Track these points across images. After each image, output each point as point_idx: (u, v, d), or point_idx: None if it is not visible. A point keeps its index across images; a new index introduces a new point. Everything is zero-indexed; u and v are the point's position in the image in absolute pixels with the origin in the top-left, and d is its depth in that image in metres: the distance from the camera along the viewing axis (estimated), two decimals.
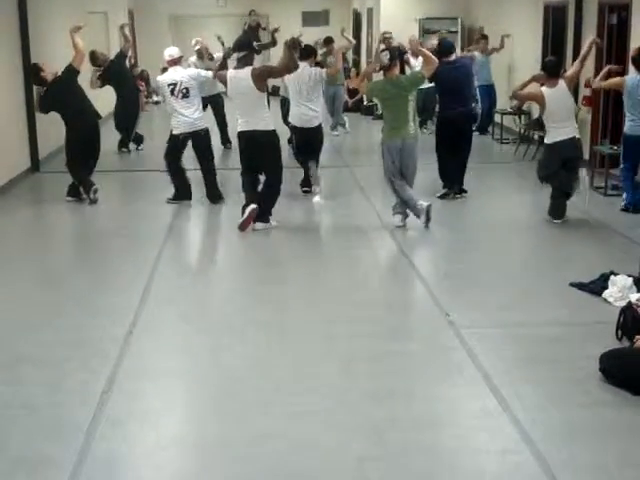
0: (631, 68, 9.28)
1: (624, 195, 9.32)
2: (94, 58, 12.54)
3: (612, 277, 6.48)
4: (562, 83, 8.55)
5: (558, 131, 8.55)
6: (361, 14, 22.20)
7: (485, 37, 15.36)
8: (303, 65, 9.84)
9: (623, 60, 10.53)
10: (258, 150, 8.34)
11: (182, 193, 9.61)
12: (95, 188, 9.63)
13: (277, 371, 5.21)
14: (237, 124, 8.43)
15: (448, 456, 4.23)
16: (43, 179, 10.69)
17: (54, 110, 9.78)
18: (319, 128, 10.10)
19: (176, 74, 9.43)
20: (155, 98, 20.92)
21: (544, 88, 8.55)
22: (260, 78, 8.23)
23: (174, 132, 9.45)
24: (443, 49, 9.88)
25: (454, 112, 9.71)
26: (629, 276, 6.46)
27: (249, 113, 8.29)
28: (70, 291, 6.86)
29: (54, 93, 9.59)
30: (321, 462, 4.16)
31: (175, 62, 9.49)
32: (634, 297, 5.80)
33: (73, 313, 6.28)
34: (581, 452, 4.23)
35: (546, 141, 8.77)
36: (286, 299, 6.62)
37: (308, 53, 10.24)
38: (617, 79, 9.28)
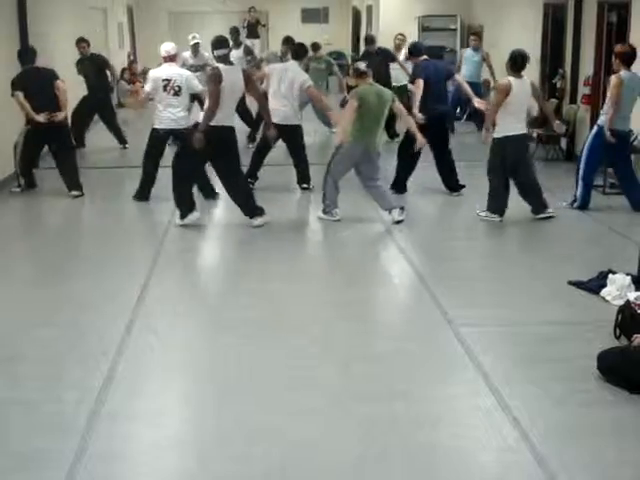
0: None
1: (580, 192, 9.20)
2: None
3: (610, 276, 6.49)
4: (527, 80, 8.57)
5: (513, 125, 8.52)
6: (360, 12, 22.21)
7: (477, 34, 15.46)
8: (292, 63, 10.02)
9: None
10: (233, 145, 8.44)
11: (144, 192, 9.68)
12: None
13: (275, 370, 5.20)
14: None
15: (447, 455, 4.23)
16: (40, 176, 10.65)
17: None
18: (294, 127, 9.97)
19: (171, 70, 9.49)
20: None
21: (510, 78, 8.48)
22: (248, 82, 8.41)
23: (155, 126, 9.50)
24: (415, 50, 10.14)
25: (436, 111, 9.76)
26: (627, 275, 6.46)
27: (232, 110, 8.43)
28: (68, 288, 6.85)
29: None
30: (320, 461, 4.16)
31: (171, 58, 9.56)
32: (632, 296, 5.79)
33: (71, 310, 6.27)
34: (580, 451, 4.23)
35: (496, 135, 8.62)
36: (284, 297, 6.61)
37: (300, 54, 10.31)
38: (615, 82, 8.89)
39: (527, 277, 7.06)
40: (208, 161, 8.61)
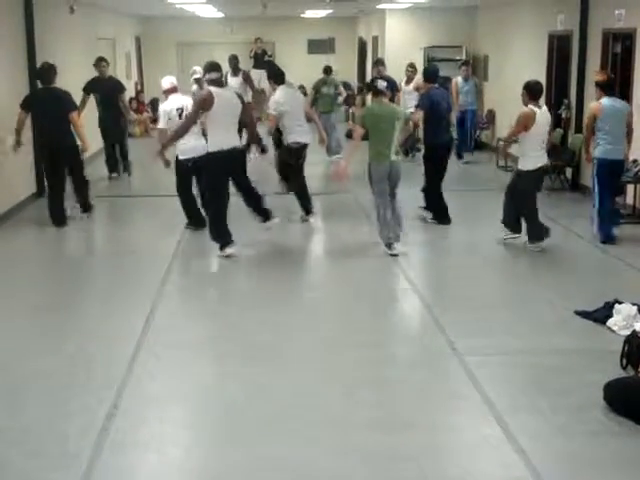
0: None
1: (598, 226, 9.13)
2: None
3: (617, 305, 6.47)
4: (545, 107, 8.61)
5: (539, 158, 8.57)
6: (366, 42, 22.33)
7: (467, 63, 15.69)
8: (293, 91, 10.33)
9: (627, 88, 10.57)
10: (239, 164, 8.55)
11: (196, 221, 9.69)
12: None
13: (279, 397, 5.19)
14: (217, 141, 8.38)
15: None
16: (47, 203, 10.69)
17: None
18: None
19: (181, 100, 9.61)
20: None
21: (532, 107, 8.51)
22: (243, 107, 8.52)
23: (181, 157, 9.46)
24: (430, 74, 10.10)
25: (444, 139, 9.85)
26: (634, 305, 6.44)
27: (231, 132, 8.48)
28: (73, 316, 6.86)
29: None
30: None
31: (174, 89, 9.69)
32: (639, 326, 5.78)
33: (76, 338, 6.28)
34: None
35: (523, 167, 8.63)
36: (288, 324, 6.61)
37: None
38: (593, 109, 9.10)
39: (533, 306, 7.05)
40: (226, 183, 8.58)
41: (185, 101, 9.56)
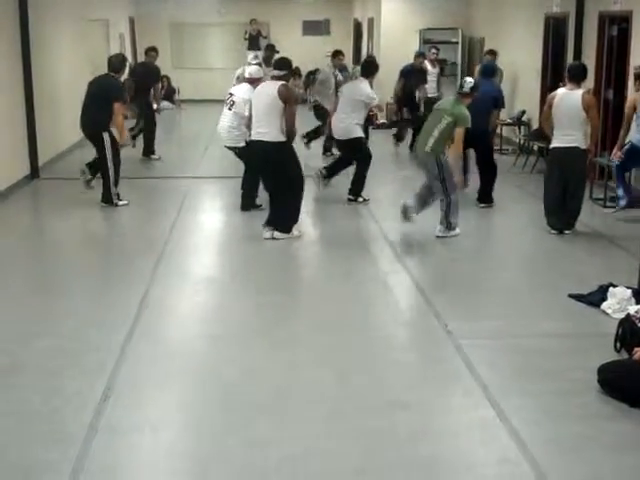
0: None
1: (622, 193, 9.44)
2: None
3: (611, 289, 6.48)
4: (579, 93, 8.45)
5: (558, 138, 8.56)
6: (362, 24, 22.25)
7: (492, 52, 15.51)
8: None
9: (623, 71, 10.55)
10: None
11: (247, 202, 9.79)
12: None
13: (274, 381, 5.19)
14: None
15: (445, 468, 4.22)
16: (43, 186, 10.67)
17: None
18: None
19: (240, 89, 9.77)
20: (155, 106, 20.93)
21: (560, 90, 8.52)
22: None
23: (227, 145, 9.89)
24: (488, 71, 10.58)
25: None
26: (628, 288, 6.45)
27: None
28: (68, 298, 6.86)
29: None
30: (317, 474, 4.15)
31: (251, 81, 9.66)
32: (633, 309, 5.80)
33: (71, 321, 6.27)
34: (579, 464, 4.22)
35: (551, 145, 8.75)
36: (283, 309, 6.61)
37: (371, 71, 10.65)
38: (631, 100, 9.25)
39: (527, 290, 7.06)
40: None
41: (241, 92, 9.65)
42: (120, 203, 9.93)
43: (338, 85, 12.15)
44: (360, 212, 9.79)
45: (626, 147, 9.39)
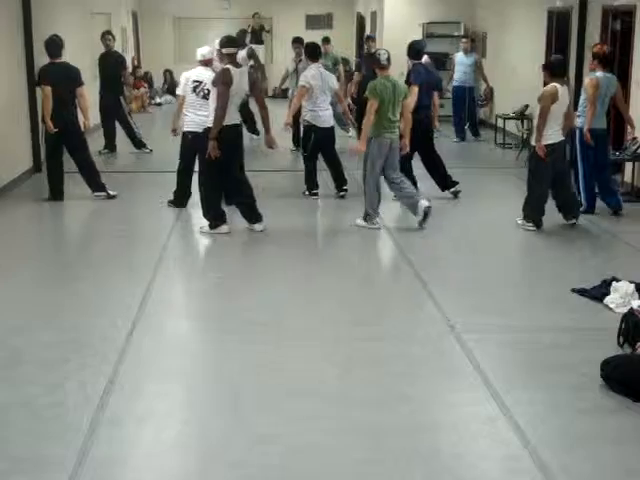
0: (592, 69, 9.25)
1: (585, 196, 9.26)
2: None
3: (614, 283, 6.47)
4: (565, 88, 8.49)
5: (556, 133, 8.51)
6: (365, 18, 22.20)
7: (467, 36, 15.55)
8: (317, 65, 10.16)
9: (627, 65, 10.53)
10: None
11: (179, 200, 9.63)
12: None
13: (277, 374, 5.19)
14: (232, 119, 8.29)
15: (448, 462, 4.22)
16: (45, 180, 10.64)
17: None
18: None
19: (204, 73, 9.18)
20: (158, 100, 20.95)
21: (555, 84, 8.36)
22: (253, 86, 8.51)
23: (184, 129, 9.35)
24: (413, 52, 10.10)
25: (423, 115, 9.79)
26: (631, 282, 6.45)
27: (236, 108, 8.42)
28: (70, 291, 6.86)
29: None
30: (320, 466, 4.15)
31: (206, 63, 9.30)
32: (636, 304, 5.79)
33: (73, 313, 6.28)
34: (582, 459, 4.22)
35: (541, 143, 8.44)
36: (286, 302, 6.61)
37: (317, 52, 10.41)
38: (591, 83, 9.03)
39: (530, 284, 7.06)
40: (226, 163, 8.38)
41: (208, 77, 9.00)
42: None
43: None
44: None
45: (577, 137, 9.16)
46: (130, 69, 19.78)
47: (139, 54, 22.19)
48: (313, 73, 10.06)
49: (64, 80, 9.73)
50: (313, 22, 23.67)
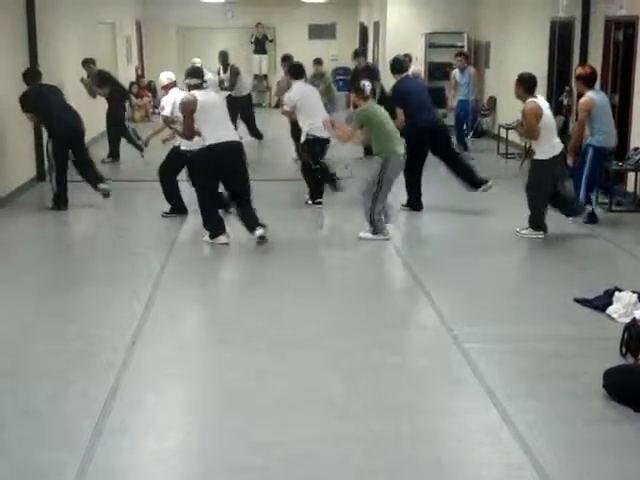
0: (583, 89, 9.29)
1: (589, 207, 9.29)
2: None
3: (617, 293, 6.47)
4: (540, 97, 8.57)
5: (555, 146, 8.53)
6: (367, 28, 22.27)
7: (462, 54, 15.54)
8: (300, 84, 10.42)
9: (629, 77, 10.54)
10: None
11: (177, 208, 9.71)
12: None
13: (278, 383, 5.20)
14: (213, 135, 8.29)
15: (449, 471, 4.22)
16: (48, 188, 10.66)
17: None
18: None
19: (179, 95, 9.33)
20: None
21: (534, 99, 8.36)
22: None
23: (182, 148, 9.40)
24: (396, 67, 10.17)
25: (429, 122, 9.81)
26: (634, 292, 6.44)
27: (226, 125, 8.50)
28: (73, 301, 6.87)
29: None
30: (321, 474, 4.15)
31: (174, 84, 9.84)
32: (638, 314, 5.78)
33: (76, 323, 6.28)
34: (583, 468, 4.22)
35: (542, 157, 8.49)
36: (288, 311, 6.61)
37: (300, 72, 10.58)
38: (586, 103, 9.05)
39: (532, 293, 7.05)
40: (219, 179, 8.49)
41: (180, 97, 9.19)
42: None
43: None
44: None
45: (590, 153, 9.17)
46: (134, 78, 19.93)
47: (143, 63, 22.27)
48: (295, 91, 10.38)
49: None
50: (316, 32, 23.72)
